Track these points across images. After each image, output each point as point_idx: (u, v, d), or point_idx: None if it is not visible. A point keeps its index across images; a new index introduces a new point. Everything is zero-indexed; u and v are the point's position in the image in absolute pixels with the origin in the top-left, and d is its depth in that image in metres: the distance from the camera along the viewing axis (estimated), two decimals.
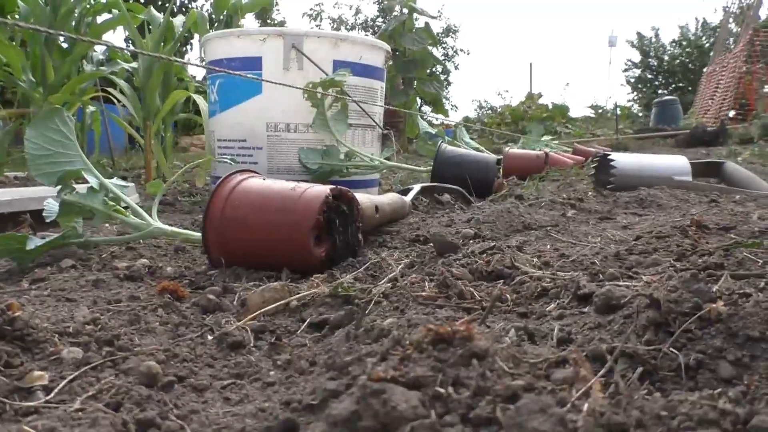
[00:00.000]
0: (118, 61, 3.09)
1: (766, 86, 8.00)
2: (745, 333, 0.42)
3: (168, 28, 2.87)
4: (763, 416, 0.31)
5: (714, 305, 0.44)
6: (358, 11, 21.34)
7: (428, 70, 5.04)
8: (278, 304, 0.71)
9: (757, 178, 2.04)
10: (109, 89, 2.94)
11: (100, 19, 2.94)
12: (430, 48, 4.91)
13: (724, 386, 0.39)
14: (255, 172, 1.01)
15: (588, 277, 0.68)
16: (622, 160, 1.92)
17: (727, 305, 0.44)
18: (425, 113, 5.57)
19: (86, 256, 1.00)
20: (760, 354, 0.41)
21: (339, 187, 0.92)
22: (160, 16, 2.95)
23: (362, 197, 1.08)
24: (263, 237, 0.88)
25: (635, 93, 18.50)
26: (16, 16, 2.73)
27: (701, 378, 0.40)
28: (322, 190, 0.89)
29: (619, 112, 9.48)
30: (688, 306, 0.45)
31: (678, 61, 17.42)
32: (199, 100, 2.54)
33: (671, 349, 0.42)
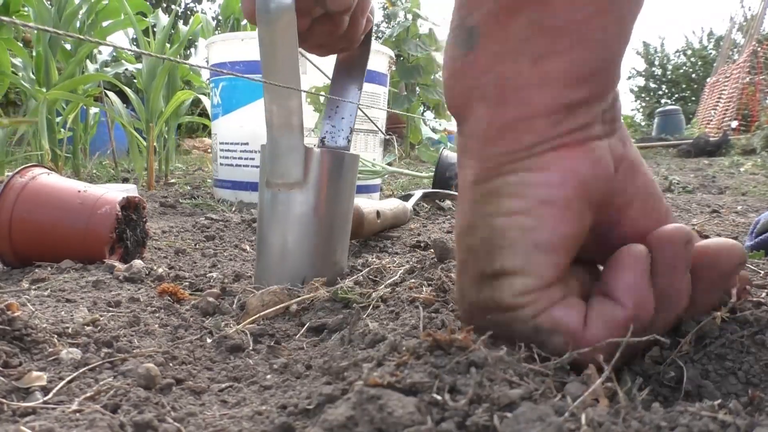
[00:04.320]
0: (123, 62, 3.09)
1: None
2: (748, 343, 0.42)
3: (174, 31, 2.88)
4: (764, 428, 0.31)
5: (717, 313, 0.44)
6: None
7: (432, 76, 5.05)
8: (278, 307, 0.71)
9: None
10: (110, 92, 2.94)
11: (105, 22, 2.95)
12: (433, 54, 4.92)
13: (727, 398, 0.39)
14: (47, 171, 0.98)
15: None
16: None
17: (731, 315, 0.44)
18: (428, 119, 5.58)
19: None
20: (764, 365, 0.40)
21: (126, 197, 0.96)
22: (165, 17, 2.96)
23: (364, 202, 1.08)
24: (56, 248, 0.92)
25: (638, 102, 18.46)
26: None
27: (705, 390, 0.40)
28: (112, 207, 0.92)
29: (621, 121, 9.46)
30: (692, 316, 0.45)
31: (682, 70, 17.40)
32: (206, 100, 2.54)
33: (675, 359, 0.42)
